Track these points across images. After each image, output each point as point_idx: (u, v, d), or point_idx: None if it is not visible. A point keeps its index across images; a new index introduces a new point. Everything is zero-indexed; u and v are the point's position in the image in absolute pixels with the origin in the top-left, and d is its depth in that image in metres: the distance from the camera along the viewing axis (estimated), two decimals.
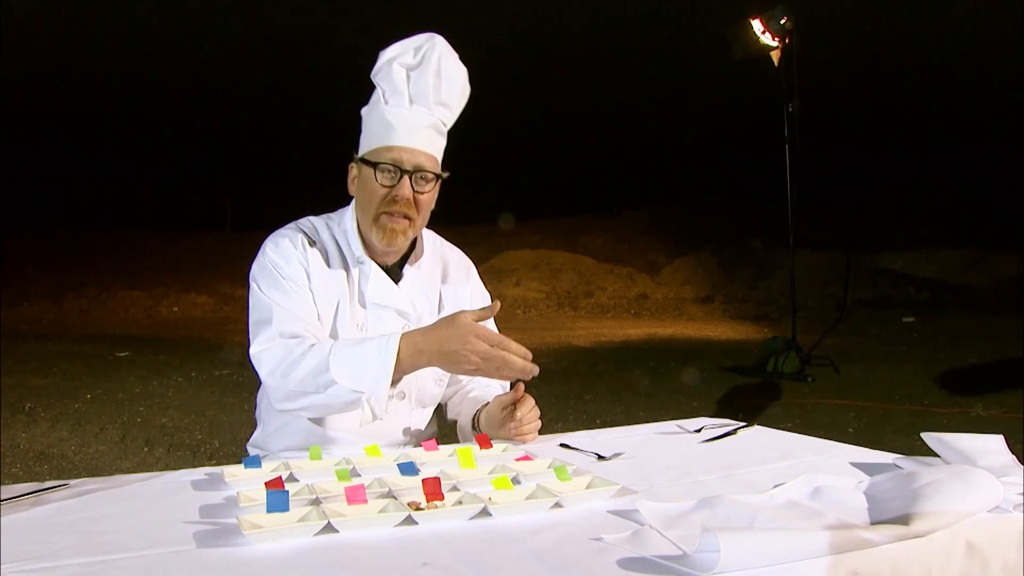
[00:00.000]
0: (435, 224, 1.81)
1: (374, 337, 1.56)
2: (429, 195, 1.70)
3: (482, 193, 21.01)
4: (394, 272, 1.76)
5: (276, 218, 1.95)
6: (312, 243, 1.72)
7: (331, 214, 1.81)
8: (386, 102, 1.67)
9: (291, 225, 1.77)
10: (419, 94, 1.67)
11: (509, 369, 1.50)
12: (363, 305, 1.72)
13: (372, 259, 1.74)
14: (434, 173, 1.69)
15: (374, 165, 1.65)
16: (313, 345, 1.56)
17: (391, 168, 1.64)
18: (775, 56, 7.22)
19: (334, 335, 1.68)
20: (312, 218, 1.80)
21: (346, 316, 1.71)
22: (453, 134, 1.78)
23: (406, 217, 1.67)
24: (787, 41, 7.17)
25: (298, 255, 1.69)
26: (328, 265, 1.72)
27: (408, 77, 1.67)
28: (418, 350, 1.51)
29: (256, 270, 1.69)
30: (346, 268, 1.73)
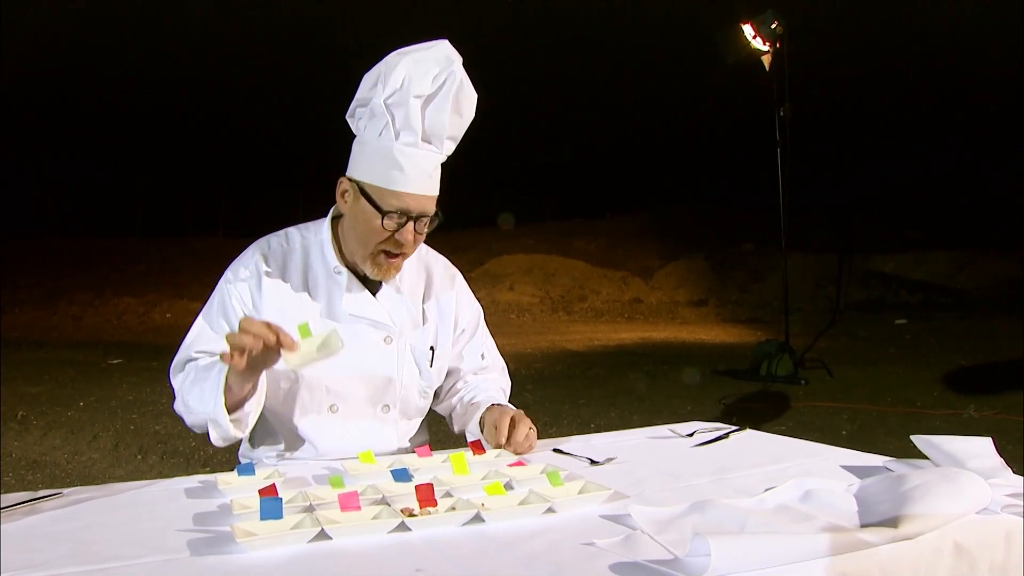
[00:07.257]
0: None
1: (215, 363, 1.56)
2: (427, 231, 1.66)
3: (476, 198, 21.04)
4: (372, 282, 1.72)
5: (269, 223, 1.95)
6: (269, 265, 1.69)
7: (308, 224, 1.78)
8: (396, 136, 1.57)
9: (256, 244, 1.74)
10: (433, 132, 1.58)
11: None
12: (338, 318, 1.68)
13: (350, 270, 1.70)
14: (436, 211, 1.63)
15: (381, 212, 1.58)
16: (193, 370, 1.65)
17: (397, 216, 1.59)
18: (766, 60, 7.25)
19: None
20: (289, 229, 1.77)
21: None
22: None
23: (403, 254, 1.64)
24: (778, 46, 7.20)
25: (248, 283, 1.68)
26: (295, 281, 1.69)
27: (423, 113, 1.57)
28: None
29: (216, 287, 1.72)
30: (318, 282, 1.69)
